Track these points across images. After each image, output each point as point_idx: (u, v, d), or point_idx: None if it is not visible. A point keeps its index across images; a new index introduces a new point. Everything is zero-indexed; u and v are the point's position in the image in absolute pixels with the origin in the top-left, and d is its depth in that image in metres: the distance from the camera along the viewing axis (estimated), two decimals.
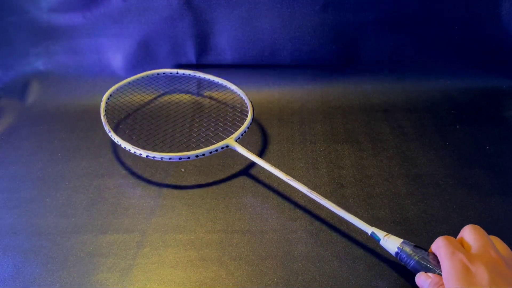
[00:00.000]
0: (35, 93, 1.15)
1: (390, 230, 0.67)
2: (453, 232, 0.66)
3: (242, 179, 0.81)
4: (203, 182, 0.81)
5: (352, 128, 0.94)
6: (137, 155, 0.79)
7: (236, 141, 0.81)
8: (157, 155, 0.77)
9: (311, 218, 0.71)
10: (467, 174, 0.78)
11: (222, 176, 0.82)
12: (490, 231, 0.66)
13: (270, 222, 0.71)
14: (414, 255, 0.56)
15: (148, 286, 0.62)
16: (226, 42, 1.08)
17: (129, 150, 0.80)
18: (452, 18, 1.01)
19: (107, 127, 0.86)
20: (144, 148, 0.80)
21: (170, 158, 0.77)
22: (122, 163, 0.88)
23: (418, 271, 0.55)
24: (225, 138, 0.81)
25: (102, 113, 0.91)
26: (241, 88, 0.97)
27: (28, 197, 0.81)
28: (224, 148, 0.80)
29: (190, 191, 0.79)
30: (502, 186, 0.75)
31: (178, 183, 0.81)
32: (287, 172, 0.81)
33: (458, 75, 1.06)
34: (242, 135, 0.84)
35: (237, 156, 0.87)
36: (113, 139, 0.84)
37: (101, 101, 0.94)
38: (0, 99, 1.15)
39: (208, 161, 0.86)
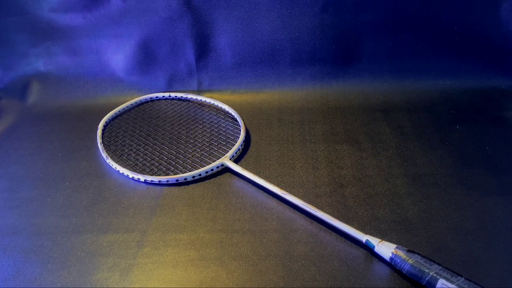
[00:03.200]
0: (35, 93, 1.15)
1: (389, 230, 0.68)
2: (452, 232, 0.67)
3: (242, 179, 0.81)
4: (203, 182, 0.81)
5: (352, 128, 0.94)
6: (135, 180, 0.82)
7: (230, 159, 0.84)
8: (155, 179, 0.80)
9: (311, 218, 0.71)
10: (467, 174, 0.78)
11: (223, 176, 0.83)
12: (490, 231, 0.67)
13: (270, 222, 0.71)
14: (408, 259, 0.57)
15: (148, 286, 0.62)
16: (225, 42, 1.08)
17: (128, 175, 0.83)
18: (452, 18, 1.01)
19: (104, 154, 0.88)
20: (142, 172, 0.83)
21: (167, 181, 0.80)
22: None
23: (413, 275, 0.57)
24: (220, 158, 0.84)
25: (99, 140, 0.93)
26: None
27: (29, 197, 0.81)
28: (220, 167, 0.83)
29: (190, 191, 0.79)
30: (502, 186, 0.75)
31: (178, 182, 0.81)
32: (287, 172, 0.82)
33: (458, 75, 1.06)
34: (236, 153, 0.86)
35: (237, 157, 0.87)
36: (111, 165, 0.86)
37: (97, 129, 0.97)
38: (1, 99, 1.15)
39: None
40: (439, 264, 0.56)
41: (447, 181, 0.77)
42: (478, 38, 1.02)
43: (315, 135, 0.92)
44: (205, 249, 0.67)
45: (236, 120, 0.98)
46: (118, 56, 1.12)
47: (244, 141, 0.90)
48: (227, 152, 0.86)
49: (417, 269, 0.56)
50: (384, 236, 0.66)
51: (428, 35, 1.03)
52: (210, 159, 0.85)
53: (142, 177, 0.81)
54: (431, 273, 0.55)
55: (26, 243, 0.71)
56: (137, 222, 0.73)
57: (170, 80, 1.13)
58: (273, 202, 0.75)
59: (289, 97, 1.07)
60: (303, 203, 0.71)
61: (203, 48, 1.09)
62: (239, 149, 0.87)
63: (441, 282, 0.54)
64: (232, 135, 0.93)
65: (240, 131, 0.92)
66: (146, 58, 1.11)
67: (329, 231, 0.68)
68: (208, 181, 0.81)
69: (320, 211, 0.69)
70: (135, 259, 0.66)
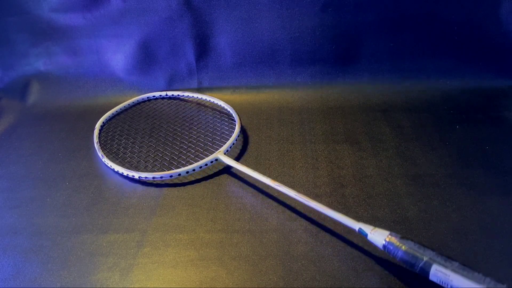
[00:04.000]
0: (35, 93, 1.15)
1: (389, 230, 0.67)
2: (453, 232, 0.67)
3: (242, 179, 0.81)
4: (203, 181, 0.81)
5: (352, 128, 0.94)
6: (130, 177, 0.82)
7: (225, 153, 0.83)
8: (149, 175, 0.80)
9: (310, 218, 0.71)
10: (467, 174, 0.78)
11: (223, 176, 0.83)
12: (490, 231, 0.67)
13: (270, 222, 0.71)
14: (401, 246, 0.56)
15: (148, 286, 0.62)
16: (225, 42, 1.08)
17: (122, 173, 0.83)
18: (452, 18, 1.01)
19: (100, 153, 0.89)
20: (136, 169, 0.83)
21: (161, 177, 0.79)
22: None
23: (407, 262, 0.55)
24: (214, 152, 0.83)
25: (96, 140, 0.93)
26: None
27: (29, 197, 0.81)
28: (214, 162, 0.82)
29: (190, 191, 0.79)
30: (502, 186, 0.75)
31: (178, 183, 0.81)
32: (287, 172, 0.82)
33: (458, 75, 1.06)
34: (230, 147, 0.86)
35: (237, 154, 0.87)
36: (106, 164, 0.86)
37: (94, 129, 0.97)
38: (1, 99, 1.15)
39: None
40: (433, 250, 0.55)
41: (447, 181, 0.77)
42: (478, 38, 1.03)
43: (315, 135, 0.92)
44: (205, 249, 0.67)
45: (231, 116, 0.98)
46: (118, 56, 1.12)
47: (238, 136, 0.89)
48: (221, 147, 0.85)
49: (410, 255, 0.54)
50: None
51: (428, 35, 1.03)
52: (205, 154, 0.85)
53: (136, 174, 0.81)
54: (424, 259, 0.53)
55: (26, 243, 0.71)
56: (137, 222, 0.73)
57: (170, 80, 1.13)
58: (273, 202, 0.75)
59: (289, 97, 1.07)
60: (296, 193, 0.69)
61: (203, 48, 1.09)
62: (233, 144, 0.87)
63: (434, 267, 0.52)
64: (227, 130, 0.93)
65: (235, 126, 0.92)
66: (146, 58, 1.11)
67: (329, 231, 0.68)
68: (208, 181, 0.81)
69: (313, 200, 0.67)
70: (135, 259, 0.66)
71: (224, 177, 0.82)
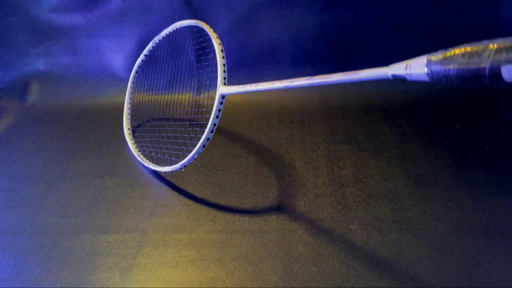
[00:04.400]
0: (35, 93, 1.15)
1: (390, 230, 0.68)
2: (452, 232, 0.67)
3: (242, 178, 0.81)
4: (203, 182, 0.81)
5: (352, 128, 0.94)
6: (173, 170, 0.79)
7: (225, 84, 0.73)
8: (186, 161, 0.74)
9: (311, 218, 0.71)
10: (467, 174, 0.78)
11: (222, 175, 0.83)
12: (489, 231, 0.67)
13: (270, 222, 0.71)
14: (451, 58, 0.42)
15: (148, 286, 0.62)
16: (226, 42, 1.08)
17: (171, 171, 0.78)
18: (452, 19, 1.01)
19: (140, 158, 0.86)
20: (167, 165, 0.80)
21: (193, 158, 0.73)
22: (122, 163, 0.88)
23: (469, 77, 0.41)
24: (214, 95, 0.73)
25: (136, 152, 0.88)
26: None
27: (29, 197, 0.81)
28: (224, 102, 0.72)
29: (190, 191, 0.79)
30: (502, 186, 0.75)
31: (179, 183, 0.81)
32: (287, 172, 0.82)
33: None
34: (225, 72, 0.74)
35: (237, 154, 0.87)
36: (153, 168, 0.82)
37: (126, 140, 0.93)
38: (1, 99, 1.15)
39: (208, 160, 0.86)
40: (488, 41, 0.41)
41: (447, 181, 0.77)
42: (478, 38, 1.02)
43: (315, 135, 0.92)
44: (205, 249, 0.67)
45: (205, 34, 0.82)
46: (118, 55, 1.12)
47: (224, 56, 0.75)
48: (216, 83, 0.74)
49: (467, 65, 0.40)
50: (384, 236, 0.66)
51: (428, 35, 1.03)
52: (210, 107, 0.75)
53: (170, 168, 0.77)
54: (490, 58, 0.39)
55: (26, 243, 0.71)
56: (137, 222, 0.73)
57: (171, 80, 1.13)
58: (274, 202, 0.75)
59: (289, 97, 1.07)
60: (308, 78, 0.61)
61: (203, 47, 1.09)
62: (225, 66, 0.74)
63: (506, 69, 0.38)
64: (212, 61, 0.78)
65: (215, 48, 0.76)
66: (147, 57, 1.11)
67: (329, 231, 0.68)
68: (208, 180, 0.81)
69: (329, 75, 0.58)
70: (135, 259, 0.66)
71: (224, 176, 0.82)
